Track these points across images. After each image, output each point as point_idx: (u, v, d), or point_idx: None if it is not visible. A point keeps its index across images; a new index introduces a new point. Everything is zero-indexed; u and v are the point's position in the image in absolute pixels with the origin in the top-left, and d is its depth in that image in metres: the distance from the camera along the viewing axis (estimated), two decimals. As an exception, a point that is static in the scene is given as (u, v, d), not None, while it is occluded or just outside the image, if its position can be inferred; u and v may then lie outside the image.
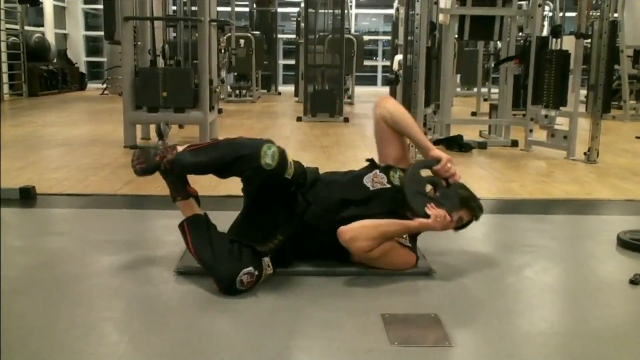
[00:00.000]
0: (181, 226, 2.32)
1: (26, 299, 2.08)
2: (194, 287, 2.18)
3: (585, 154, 5.12)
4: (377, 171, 2.43)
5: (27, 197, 3.49)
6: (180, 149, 2.32)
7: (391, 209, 2.33)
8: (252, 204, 2.39)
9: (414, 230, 2.31)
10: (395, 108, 2.48)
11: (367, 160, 2.54)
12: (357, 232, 2.19)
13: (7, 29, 11.14)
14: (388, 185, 2.38)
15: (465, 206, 2.39)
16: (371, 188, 2.38)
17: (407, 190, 2.27)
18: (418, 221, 2.24)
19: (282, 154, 2.16)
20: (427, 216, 2.23)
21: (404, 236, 2.34)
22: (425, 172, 2.37)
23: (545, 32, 7.39)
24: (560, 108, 5.41)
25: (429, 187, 2.33)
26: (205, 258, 2.19)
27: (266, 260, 2.17)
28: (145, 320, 1.94)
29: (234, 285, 2.07)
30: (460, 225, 2.44)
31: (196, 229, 2.29)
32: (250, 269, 2.10)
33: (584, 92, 7.43)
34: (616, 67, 8.71)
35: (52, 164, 4.75)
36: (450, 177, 2.33)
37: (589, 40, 6.34)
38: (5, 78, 10.85)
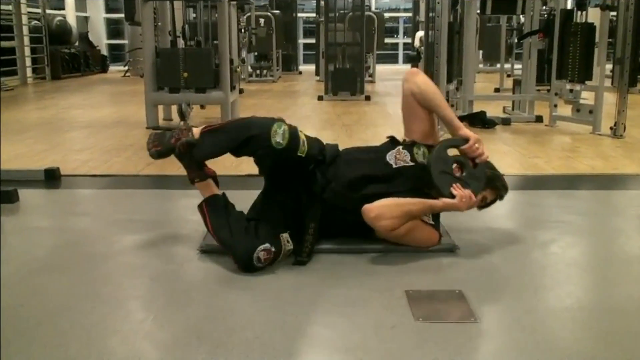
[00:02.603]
0: (200, 207, 2.34)
1: (53, 278, 2.10)
2: (217, 266, 2.19)
3: (611, 128, 5.04)
4: (400, 148, 2.40)
5: (52, 178, 3.53)
6: (196, 131, 2.32)
7: (415, 186, 2.31)
8: (271, 183, 2.39)
9: (439, 210, 2.29)
10: (425, 83, 2.41)
11: (388, 137, 2.51)
12: (383, 210, 2.17)
13: (29, 12, 11.21)
14: (411, 163, 2.35)
15: (489, 185, 2.36)
16: (394, 165, 2.35)
17: (433, 169, 2.24)
18: (443, 201, 2.22)
19: (293, 132, 2.14)
20: (453, 196, 2.21)
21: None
22: (453, 152, 2.34)
23: (569, 5, 7.25)
24: (586, 82, 5.32)
25: (455, 167, 2.30)
26: (224, 237, 2.21)
27: (285, 236, 2.17)
28: (169, 298, 1.95)
29: (252, 262, 2.08)
30: (484, 205, 2.41)
31: (214, 209, 2.30)
32: (267, 245, 2.10)
33: (609, 65, 7.29)
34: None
35: (76, 145, 4.79)
36: (478, 158, 2.29)
37: (615, 13, 6.21)
38: (28, 62, 10.95)
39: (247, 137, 2.14)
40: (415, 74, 2.47)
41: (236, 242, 2.15)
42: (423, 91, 2.40)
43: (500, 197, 2.43)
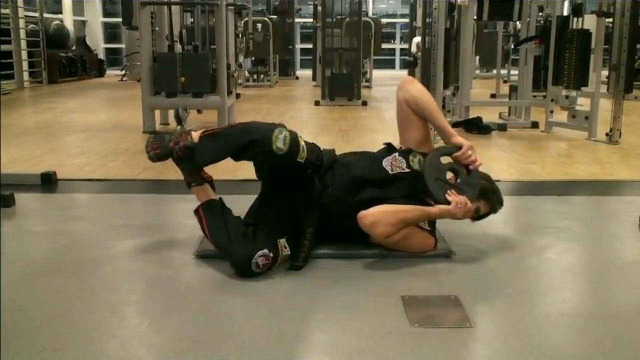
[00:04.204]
0: (197, 212, 2.34)
1: (49, 282, 2.10)
2: (213, 271, 2.19)
3: (607, 134, 5.06)
4: (396, 154, 2.41)
5: (48, 182, 3.53)
6: (194, 134, 2.32)
7: (410, 193, 2.32)
8: (268, 188, 2.39)
9: (435, 217, 2.30)
10: (419, 91, 2.44)
11: (385, 144, 2.51)
12: (378, 217, 2.18)
13: (26, 16, 11.20)
14: (407, 170, 2.36)
15: (484, 198, 2.37)
16: (390, 172, 2.36)
17: (426, 176, 2.25)
18: (438, 207, 2.23)
19: (293, 138, 2.15)
20: (448, 202, 2.22)
21: None
22: (447, 159, 2.35)
23: (566, 11, 7.27)
24: (582, 88, 5.33)
25: (449, 174, 2.31)
26: (221, 242, 2.21)
27: (282, 242, 2.17)
28: (166, 303, 1.95)
29: (250, 267, 2.08)
30: (478, 216, 2.43)
31: (211, 213, 2.31)
32: (265, 251, 2.10)
33: (605, 72, 7.32)
34: (638, 46, 8.53)
35: (72, 149, 4.79)
36: (471, 164, 2.31)
37: (611, 19, 6.23)
38: (25, 65, 10.94)
39: (247, 141, 2.14)
40: (409, 82, 2.49)
41: (234, 247, 2.15)
42: (417, 99, 2.41)
43: (494, 211, 2.44)
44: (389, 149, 2.47)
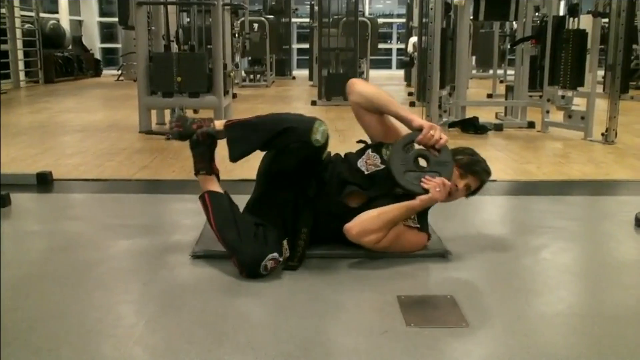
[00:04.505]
0: (202, 198, 2.31)
1: (45, 282, 2.10)
2: (209, 270, 2.19)
3: (603, 134, 5.07)
4: (369, 152, 2.38)
5: (44, 182, 3.52)
6: (217, 122, 2.32)
7: (391, 190, 2.28)
8: (269, 187, 2.36)
9: (419, 209, 2.25)
10: (366, 89, 2.38)
11: (358, 142, 2.47)
12: (363, 225, 2.18)
13: (22, 16, 11.19)
14: (382, 166, 2.32)
15: (470, 172, 2.32)
16: (365, 172, 2.33)
17: (395, 173, 2.21)
18: (419, 199, 2.20)
19: (328, 134, 2.17)
20: (426, 191, 2.19)
21: (412, 216, 2.31)
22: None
23: (562, 12, 7.29)
24: (578, 88, 5.35)
25: (418, 161, 2.25)
26: (230, 238, 2.17)
27: (284, 243, 2.17)
28: (162, 302, 1.95)
29: (258, 269, 2.07)
30: (471, 192, 2.37)
31: (219, 204, 2.28)
32: (276, 254, 2.10)
33: (601, 72, 7.33)
34: (634, 46, 8.57)
35: (68, 149, 4.78)
36: (436, 144, 2.23)
37: (607, 19, 6.25)
38: (21, 65, 10.92)
39: (285, 128, 2.13)
40: (353, 84, 2.42)
41: (244, 247, 2.12)
42: (366, 97, 2.36)
43: (483, 182, 2.38)
44: (364, 148, 2.43)
